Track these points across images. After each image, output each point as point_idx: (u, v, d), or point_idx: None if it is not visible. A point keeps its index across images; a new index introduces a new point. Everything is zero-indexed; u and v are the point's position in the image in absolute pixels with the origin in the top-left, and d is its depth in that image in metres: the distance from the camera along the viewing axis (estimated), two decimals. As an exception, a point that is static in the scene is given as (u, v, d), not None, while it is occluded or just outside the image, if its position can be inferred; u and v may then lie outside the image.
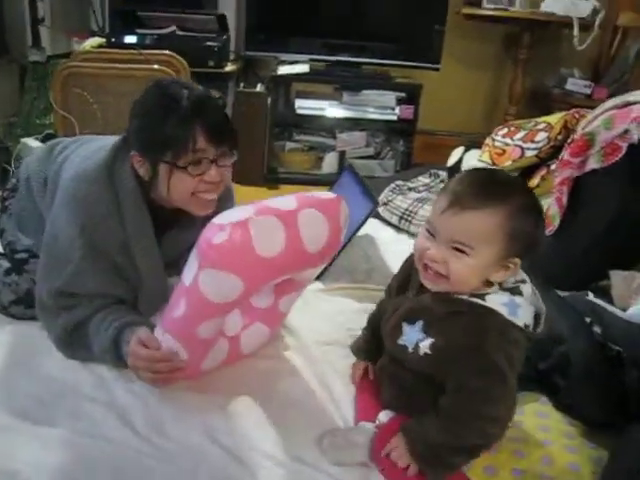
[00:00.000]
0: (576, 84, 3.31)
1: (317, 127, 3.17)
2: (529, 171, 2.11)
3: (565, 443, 1.09)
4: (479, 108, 3.80)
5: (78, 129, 2.24)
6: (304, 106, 3.06)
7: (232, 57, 2.98)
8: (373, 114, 3.10)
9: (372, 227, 2.11)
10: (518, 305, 0.98)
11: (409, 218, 2.21)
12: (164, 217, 1.31)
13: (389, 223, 2.24)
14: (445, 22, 3.07)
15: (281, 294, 1.26)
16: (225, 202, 1.35)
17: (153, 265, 1.31)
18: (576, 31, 3.06)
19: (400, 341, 1.04)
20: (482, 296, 0.99)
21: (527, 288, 1.01)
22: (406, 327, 1.04)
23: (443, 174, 2.57)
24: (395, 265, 1.87)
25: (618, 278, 1.67)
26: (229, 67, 2.85)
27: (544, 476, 1.01)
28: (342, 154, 3.14)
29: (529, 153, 2.09)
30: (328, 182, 2.45)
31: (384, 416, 1.08)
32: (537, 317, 1.01)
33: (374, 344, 1.21)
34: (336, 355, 1.34)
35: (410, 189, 2.45)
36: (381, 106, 3.09)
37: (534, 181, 2.05)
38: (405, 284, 1.12)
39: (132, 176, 1.25)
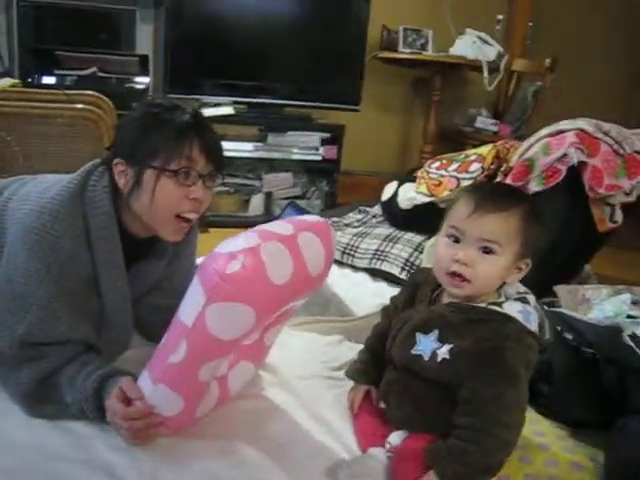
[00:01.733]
0: (484, 122, 3.53)
1: (242, 169, 3.13)
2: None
3: (562, 445, 1.14)
4: (392, 148, 3.93)
5: (-3, 173, 2.07)
6: (229, 148, 3.01)
7: (152, 99, 2.90)
8: (298, 155, 3.12)
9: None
10: (530, 313, 1.01)
11: (351, 252, 2.22)
12: (135, 247, 1.23)
13: (330, 259, 2.23)
14: (364, 65, 3.16)
15: (267, 327, 1.19)
16: (190, 235, 1.29)
17: (121, 298, 1.22)
18: (486, 73, 3.26)
19: (414, 351, 1.04)
20: (499, 304, 1.02)
21: (532, 298, 1.05)
22: (420, 337, 1.04)
23: (372, 210, 2.61)
24: (347, 296, 1.90)
25: (564, 292, 1.78)
26: (152, 109, 2.76)
27: (553, 477, 1.05)
28: (269, 195, 3.11)
29: (465, 182, 2.15)
30: (255, 224, 2.40)
31: (396, 438, 1.04)
32: (540, 326, 1.03)
33: (374, 366, 1.19)
34: (319, 388, 1.30)
35: (346, 225, 2.47)
36: (306, 147, 3.11)
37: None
38: (411, 300, 1.13)
39: (108, 204, 1.16)
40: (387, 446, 1.04)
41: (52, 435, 1.06)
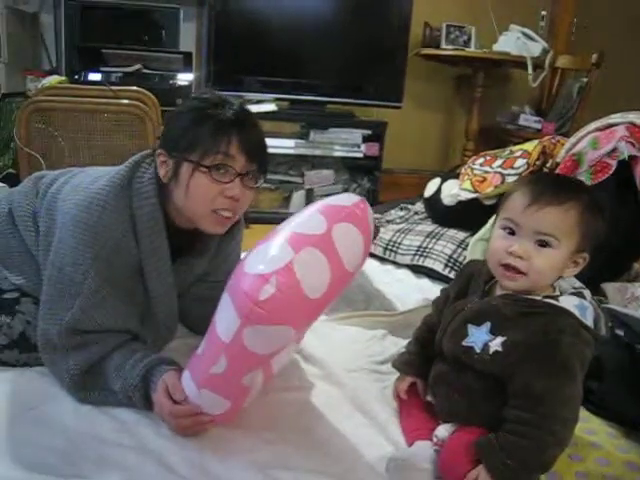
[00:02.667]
0: (528, 120, 3.47)
1: (284, 166, 3.14)
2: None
3: (614, 443, 1.10)
4: (434, 145, 3.89)
5: (45, 167, 2.11)
6: (272, 145, 3.01)
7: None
8: (339, 152, 3.11)
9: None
10: (586, 307, 0.99)
11: (394, 248, 2.20)
12: (180, 241, 1.23)
13: (372, 255, 2.21)
14: (406, 62, 3.14)
15: None
16: (234, 228, 1.30)
17: (166, 289, 1.23)
18: (530, 69, 3.21)
19: (465, 342, 1.02)
20: (555, 297, 1.00)
21: (588, 293, 1.03)
22: (472, 328, 1.03)
23: (413, 207, 2.59)
24: (389, 292, 1.89)
25: (612, 290, 1.74)
26: (195, 106, 2.79)
27: (608, 476, 1.02)
28: (310, 192, 3.11)
29: (510, 179, 2.11)
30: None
31: (443, 431, 1.03)
32: (595, 322, 1.01)
33: (422, 358, 1.17)
34: (365, 381, 1.29)
35: (388, 221, 2.45)
36: (347, 144, 3.10)
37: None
38: (463, 292, 1.11)
39: (154, 196, 1.17)
40: (434, 440, 1.03)
41: (100, 420, 1.08)
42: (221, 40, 2.98)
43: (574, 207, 0.97)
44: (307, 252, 0.94)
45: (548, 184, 1.02)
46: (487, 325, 1.01)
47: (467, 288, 1.11)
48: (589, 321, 0.98)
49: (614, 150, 1.75)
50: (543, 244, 0.98)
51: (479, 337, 1.01)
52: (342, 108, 3.25)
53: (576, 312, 0.97)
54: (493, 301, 1.04)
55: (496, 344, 0.98)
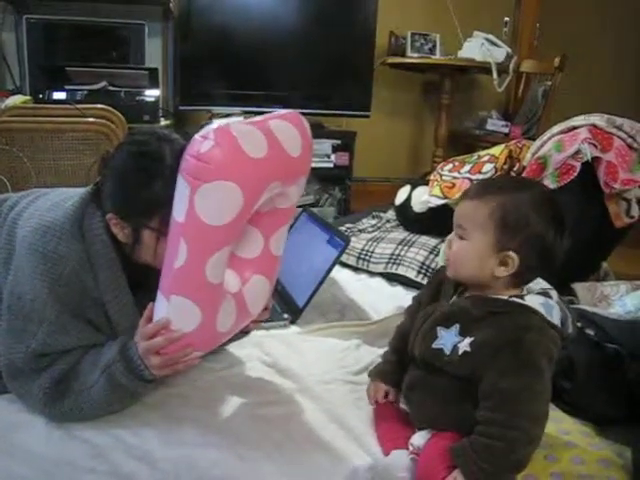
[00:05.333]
0: (495, 124, 3.51)
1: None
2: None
3: (588, 442, 1.13)
4: (404, 153, 3.92)
5: (11, 190, 2.08)
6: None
7: (161, 113, 2.91)
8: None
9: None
10: (552, 306, 1.01)
11: (367, 257, 2.21)
12: (138, 274, 1.19)
13: (345, 264, 2.22)
14: (373, 71, 3.16)
15: (269, 232, 1.18)
16: None
17: (132, 323, 1.16)
18: (495, 75, 3.25)
19: (435, 345, 1.03)
20: (521, 297, 1.01)
21: (554, 293, 1.05)
22: (441, 331, 1.04)
23: (385, 215, 2.61)
24: (364, 301, 1.89)
25: (582, 289, 1.77)
26: (163, 122, 2.78)
27: (582, 475, 1.03)
28: (281, 204, 3.10)
29: (478, 184, 2.13)
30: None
31: (419, 439, 1.03)
32: (563, 321, 1.02)
33: (397, 366, 1.18)
34: (340, 393, 1.28)
35: (360, 230, 2.46)
36: (317, 154, 3.10)
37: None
38: (434, 298, 1.13)
39: (105, 234, 1.13)
40: (410, 448, 1.03)
41: (72, 446, 1.06)
42: (187, 54, 2.97)
43: (490, 201, 1.01)
44: (244, 125, 1.02)
45: (485, 182, 1.12)
46: (456, 327, 1.02)
47: (438, 293, 1.12)
48: (555, 320, 0.99)
49: (577, 152, 1.78)
50: (460, 235, 1.04)
51: (448, 339, 1.02)
52: (311, 119, 3.22)
53: (542, 310, 0.99)
54: (462, 303, 1.05)
55: (464, 345, 0.99)
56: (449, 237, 1.07)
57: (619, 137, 1.82)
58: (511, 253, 1.00)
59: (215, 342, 1.13)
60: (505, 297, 1.02)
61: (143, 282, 1.18)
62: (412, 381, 1.09)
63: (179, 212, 0.99)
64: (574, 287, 1.76)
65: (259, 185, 1.02)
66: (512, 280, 1.03)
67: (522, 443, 0.92)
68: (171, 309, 1.04)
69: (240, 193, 0.97)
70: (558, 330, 0.99)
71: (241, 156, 0.97)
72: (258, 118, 1.08)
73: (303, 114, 3.39)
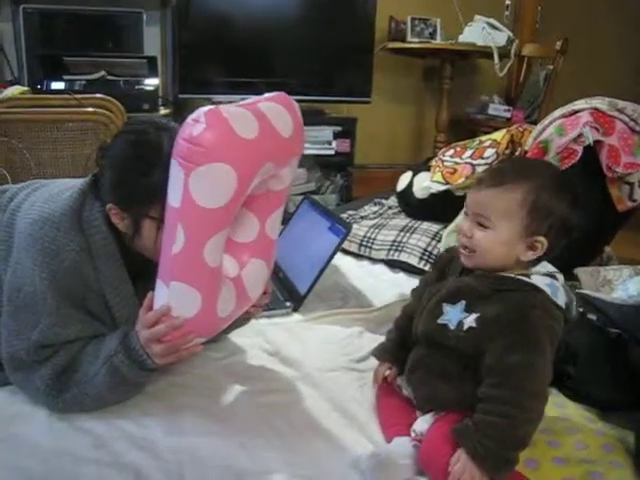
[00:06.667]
0: (497, 109, 3.49)
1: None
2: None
3: (591, 427, 1.13)
4: (405, 139, 3.90)
5: (11, 181, 2.07)
6: (241, 146, 2.99)
7: (161, 101, 2.90)
8: (310, 150, 3.09)
9: (331, 257, 2.08)
10: (557, 288, 1.02)
11: (369, 244, 2.20)
12: (139, 265, 1.18)
13: (347, 252, 2.21)
14: (373, 57, 3.14)
15: (264, 215, 1.17)
16: None
17: (130, 313, 1.16)
18: (497, 59, 3.23)
19: (440, 320, 1.04)
20: (527, 275, 1.02)
21: (561, 277, 1.05)
22: (447, 307, 1.04)
23: (387, 202, 2.59)
24: (366, 288, 1.89)
25: (584, 274, 1.76)
26: (163, 111, 2.76)
27: (585, 460, 1.03)
28: (282, 191, 3.09)
29: (480, 169, 2.12)
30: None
31: (422, 424, 1.02)
32: (567, 305, 1.03)
33: (399, 345, 1.19)
34: (343, 380, 1.28)
35: (362, 217, 2.45)
36: (318, 141, 3.09)
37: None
38: (441, 277, 1.14)
39: (104, 224, 1.13)
40: (412, 435, 1.03)
41: (74, 437, 1.06)
42: (186, 42, 2.94)
43: (511, 190, 1.00)
44: (235, 107, 1.02)
45: (496, 167, 1.08)
46: (462, 303, 1.02)
47: (446, 273, 1.13)
48: (560, 301, 1.00)
49: (579, 136, 1.76)
50: (481, 224, 1.02)
51: (454, 315, 1.02)
52: (312, 106, 3.24)
53: (547, 290, 1.00)
54: (468, 280, 1.05)
55: (470, 320, 1.00)
56: (462, 225, 1.05)
57: (621, 120, 1.80)
58: (541, 238, 1.00)
59: (216, 328, 1.12)
60: (512, 275, 1.02)
61: (143, 272, 1.17)
62: (416, 360, 1.10)
63: (174, 197, 0.99)
64: (577, 272, 1.75)
65: (253, 166, 1.02)
66: (534, 262, 1.04)
67: (524, 421, 0.92)
68: (171, 295, 1.03)
69: (234, 174, 0.97)
70: (562, 311, 1.00)
71: (233, 137, 0.97)
72: (248, 101, 1.07)
73: (304, 101, 3.40)
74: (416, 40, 3.33)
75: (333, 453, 1.04)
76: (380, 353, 1.22)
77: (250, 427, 1.10)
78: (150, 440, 1.05)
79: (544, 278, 1.02)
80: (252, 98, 1.09)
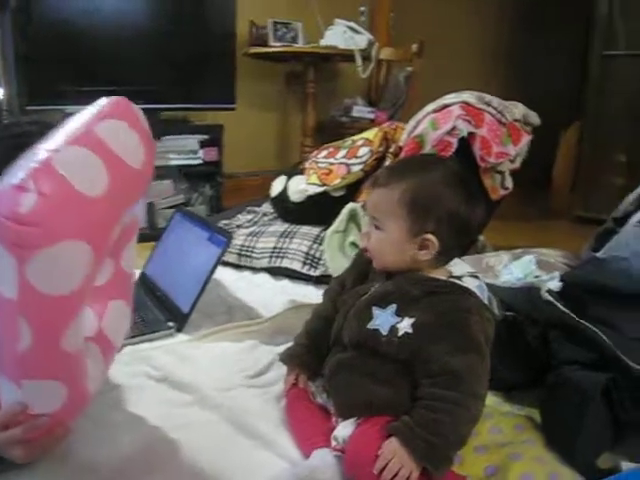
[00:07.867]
0: (361, 111, 3.54)
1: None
2: (356, 187, 2.14)
3: (501, 411, 1.15)
4: (272, 144, 3.85)
5: None
6: (101, 159, 2.78)
7: (5, 114, 2.63)
8: (176, 160, 2.93)
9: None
10: (483, 289, 1.01)
11: (248, 253, 2.12)
12: None
13: (226, 263, 2.11)
14: (235, 63, 3.05)
15: (118, 252, 0.97)
16: None
17: None
18: (359, 62, 3.27)
19: (371, 325, 0.98)
20: (459, 278, 1.00)
21: (481, 277, 1.04)
22: (377, 311, 0.99)
23: (260, 209, 2.52)
24: (251, 300, 1.79)
25: (468, 263, 1.78)
26: (8, 124, 2.50)
27: (503, 443, 1.03)
28: (150, 206, 2.91)
29: (355, 168, 2.11)
30: (139, 238, 2.23)
31: (343, 430, 0.95)
32: (489, 302, 1.03)
33: (309, 349, 1.13)
34: (243, 399, 1.17)
35: (238, 226, 2.36)
36: (184, 151, 2.94)
37: (363, 196, 2.07)
38: (362, 278, 1.10)
39: None
40: (333, 444, 0.95)
41: None
42: (30, 50, 2.67)
43: (396, 186, 0.99)
44: (67, 151, 0.77)
45: (390, 167, 1.08)
46: (393, 307, 0.98)
47: (366, 273, 1.09)
48: (486, 301, 0.99)
49: (453, 129, 1.80)
50: (375, 225, 1.01)
51: (385, 319, 0.97)
52: (175, 114, 3.09)
53: (478, 292, 0.99)
54: (399, 282, 1.00)
55: (405, 326, 0.95)
56: (364, 229, 1.04)
57: (489, 113, 1.86)
58: (428, 236, 0.97)
59: (89, 402, 0.93)
60: (444, 278, 1.00)
61: None
62: (339, 364, 1.03)
63: (8, 287, 0.75)
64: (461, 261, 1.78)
65: (108, 228, 0.82)
66: (437, 260, 1.01)
67: (466, 421, 0.91)
68: (26, 395, 0.83)
69: (87, 247, 0.76)
70: (491, 312, 0.99)
71: (78, 202, 0.75)
72: (80, 126, 0.82)
73: (164, 109, 3.21)
74: (278, 44, 3.28)
75: (247, 478, 0.95)
76: (289, 358, 1.14)
77: (155, 466, 0.97)
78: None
79: (473, 280, 1.01)
80: (83, 116, 0.85)
